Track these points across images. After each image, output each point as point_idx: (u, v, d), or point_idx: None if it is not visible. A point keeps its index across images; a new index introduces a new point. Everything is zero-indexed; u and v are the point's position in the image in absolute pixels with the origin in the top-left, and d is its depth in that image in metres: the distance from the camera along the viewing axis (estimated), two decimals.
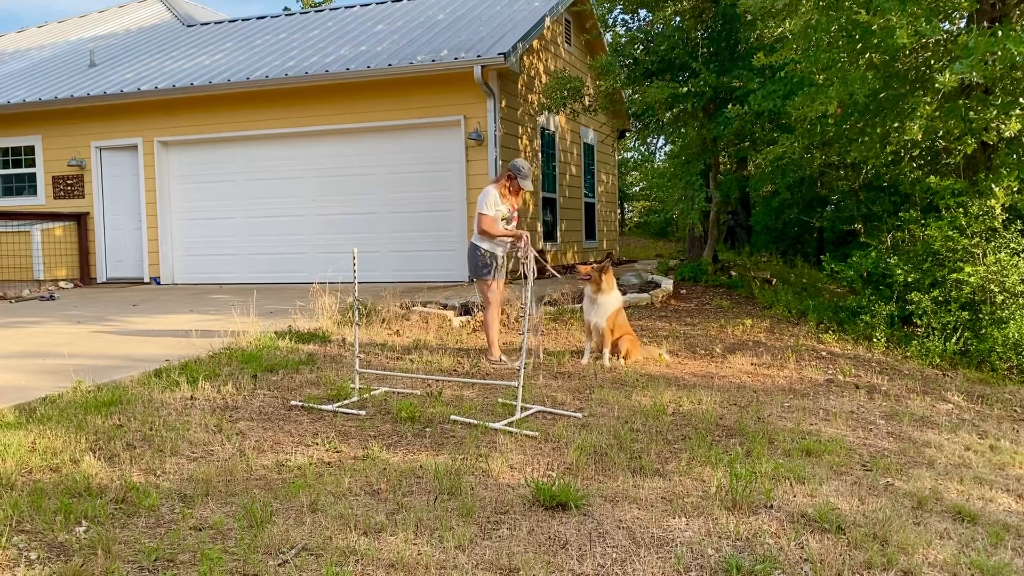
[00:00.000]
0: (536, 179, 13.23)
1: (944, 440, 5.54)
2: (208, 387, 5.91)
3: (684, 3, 11.75)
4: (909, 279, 8.61)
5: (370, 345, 7.67)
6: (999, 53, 7.05)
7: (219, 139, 13.47)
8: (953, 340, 8.23)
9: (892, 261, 8.80)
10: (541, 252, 12.23)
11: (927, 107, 8.10)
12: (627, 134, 19.40)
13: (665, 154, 23.24)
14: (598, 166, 17.21)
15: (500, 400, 5.85)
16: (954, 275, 8.26)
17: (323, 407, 5.58)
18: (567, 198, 15.00)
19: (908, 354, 8.16)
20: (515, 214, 7.25)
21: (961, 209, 8.51)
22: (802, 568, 3.39)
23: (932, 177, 8.80)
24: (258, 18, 17.28)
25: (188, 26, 17.64)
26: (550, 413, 5.59)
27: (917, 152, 9.58)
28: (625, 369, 7.01)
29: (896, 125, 8.72)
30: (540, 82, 13.56)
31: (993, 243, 8.43)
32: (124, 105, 13.63)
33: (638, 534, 3.65)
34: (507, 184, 7.15)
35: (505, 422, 5.24)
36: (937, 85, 7.52)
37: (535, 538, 3.59)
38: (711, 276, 12.24)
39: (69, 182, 14.38)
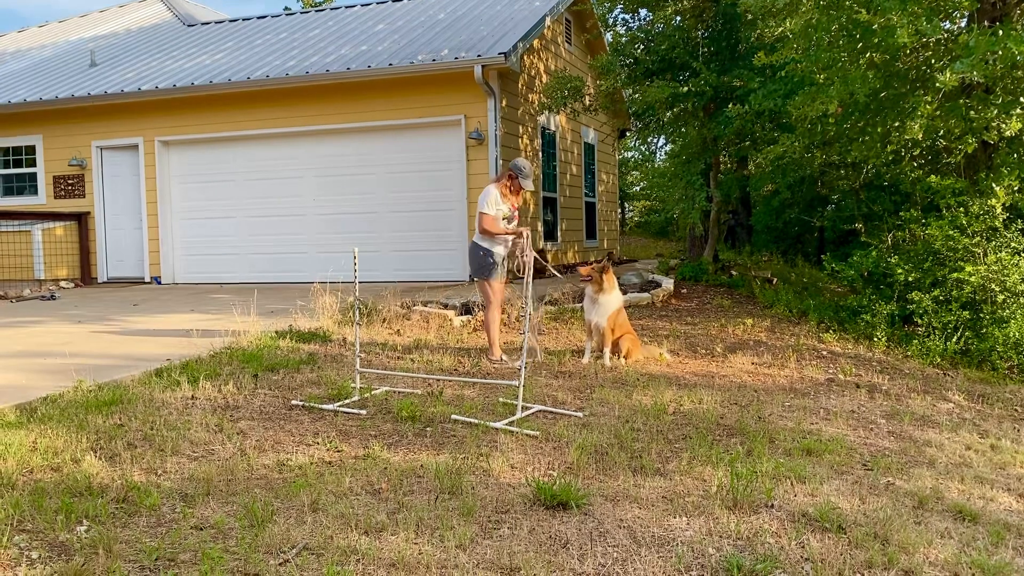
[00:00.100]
0: (537, 178, 13.23)
1: (945, 439, 5.54)
2: (209, 386, 5.91)
3: (684, 3, 11.74)
4: (910, 278, 8.60)
5: (371, 344, 7.67)
6: (1000, 52, 7.04)
7: (220, 139, 13.48)
8: (954, 339, 8.23)
9: (893, 260, 8.80)
10: (542, 252, 12.24)
11: (928, 106, 8.10)
12: (628, 133, 19.40)
13: (666, 153, 23.27)
14: (599, 165, 17.21)
15: (501, 399, 5.85)
16: (955, 274, 8.25)
17: (324, 406, 5.58)
18: (568, 198, 15.00)
19: (909, 353, 8.15)
20: (516, 213, 7.25)
21: (962, 208, 8.51)
22: (803, 567, 3.39)
23: (933, 176, 8.79)
24: (259, 18, 17.28)
25: (189, 26, 17.64)
26: (551, 412, 5.60)
27: (918, 151, 9.58)
28: (626, 368, 7.01)
29: (897, 124, 8.72)
30: (541, 81, 13.55)
31: (994, 242, 8.42)
32: (125, 105, 13.63)
33: (639, 533, 3.65)
34: (508, 184, 7.15)
35: (506, 421, 5.25)
36: (938, 84, 7.51)
37: (536, 537, 3.59)
38: (712, 275, 12.24)
39: (70, 182, 14.38)
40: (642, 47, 12.29)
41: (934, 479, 4.64)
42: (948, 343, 8.19)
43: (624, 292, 8.66)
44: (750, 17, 10.85)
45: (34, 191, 14.67)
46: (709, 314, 9.66)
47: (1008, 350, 8.09)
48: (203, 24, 17.68)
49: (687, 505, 3.98)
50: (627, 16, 14.00)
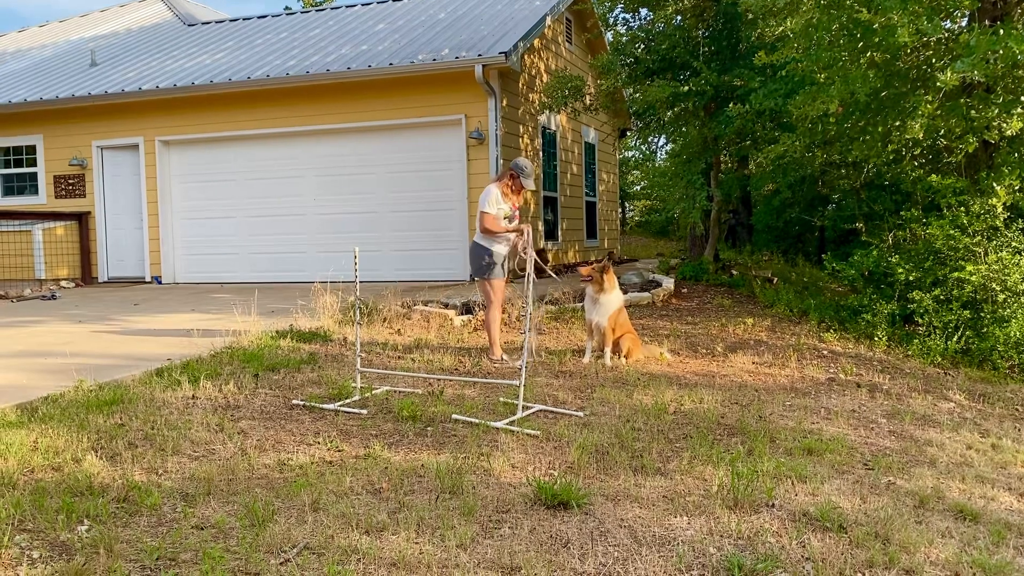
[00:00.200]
0: (537, 178, 13.23)
1: (946, 439, 5.54)
2: (210, 386, 5.91)
3: (685, 2, 11.74)
4: (910, 278, 8.60)
5: (371, 344, 7.67)
6: (1000, 52, 7.04)
7: (220, 138, 13.48)
8: (955, 339, 8.23)
9: (893, 260, 8.80)
10: (542, 251, 12.22)
11: (928, 106, 8.10)
12: (628, 133, 19.40)
13: (666, 153, 23.28)
14: (599, 165, 17.21)
15: (502, 399, 5.85)
16: (956, 274, 8.25)
17: (325, 406, 5.58)
18: (568, 197, 14.99)
19: (909, 353, 8.15)
20: (517, 213, 7.25)
21: (962, 208, 8.50)
22: (804, 567, 3.39)
23: (933, 176, 8.79)
24: (259, 17, 17.28)
25: (189, 25, 17.64)
26: (552, 412, 5.60)
27: (918, 151, 9.58)
28: (626, 368, 7.01)
29: (897, 124, 8.72)
30: (541, 81, 13.55)
31: (995, 242, 8.42)
32: (125, 104, 13.63)
33: (640, 533, 3.65)
34: (509, 183, 7.15)
35: (507, 421, 5.25)
36: (938, 84, 7.51)
37: (537, 537, 3.59)
38: (712, 275, 12.24)
39: (70, 181, 14.38)
40: (643, 46, 12.28)
41: (935, 478, 4.64)
42: (949, 342, 8.19)
43: (625, 292, 8.66)
44: (751, 16, 10.85)
45: (35, 191, 14.68)
46: (710, 313, 9.66)
47: (1009, 349, 8.09)
48: (203, 24, 17.68)
49: (688, 504, 3.97)
50: (628, 15, 14.02)
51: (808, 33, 8.69)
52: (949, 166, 9.18)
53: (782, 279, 12.73)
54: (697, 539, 3.60)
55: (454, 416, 5.38)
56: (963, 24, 8.94)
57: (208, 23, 17.71)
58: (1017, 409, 6.71)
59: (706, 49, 12.05)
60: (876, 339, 8.40)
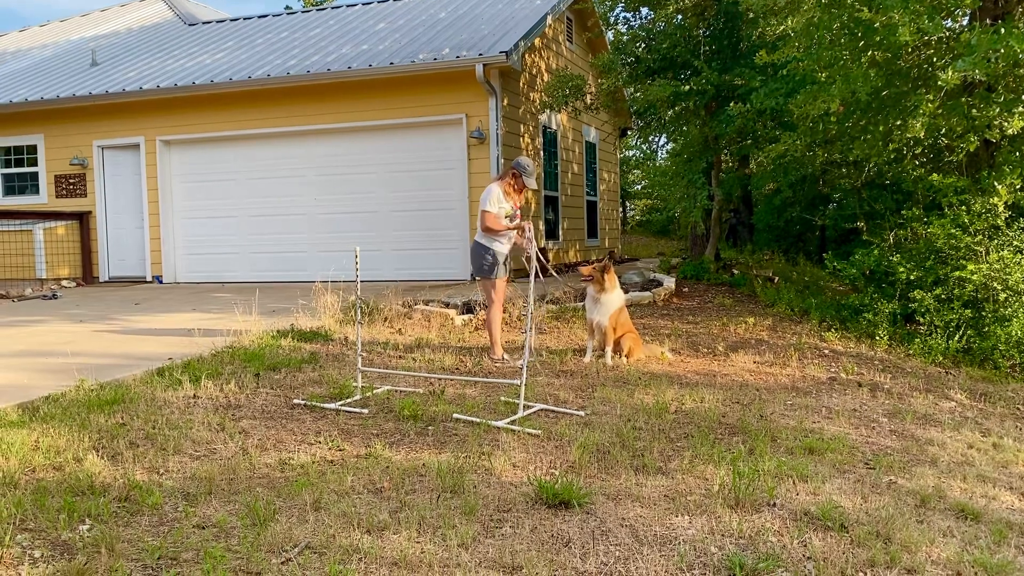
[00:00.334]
0: (538, 177, 13.22)
1: (947, 438, 5.54)
2: (211, 386, 5.91)
3: (686, 1, 11.73)
4: (912, 277, 8.60)
5: (372, 344, 7.67)
6: (1002, 50, 7.03)
7: (221, 138, 13.48)
8: (956, 338, 8.22)
9: (895, 259, 8.80)
10: (543, 250, 12.23)
11: (930, 105, 8.09)
12: (629, 132, 19.39)
13: (667, 152, 23.28)
14: (600, 164, 17.20)
15: (503, 398, 5.85)
16: (957, 273, 8.25)
17: (326, 405, 5.58)
18: (569, 196, 14.99)
19: (911, 352, 8.15)
20: (518, 212, 7.25)
21: (964, 207, 8.50)
22: (805, 566, 3.38)
23: (935, 175, 8.79)
24: (260, 17, 17.29)
25: (190, 25, 17.64)
26: (553, 411, 5.59)
27: (919, 150, 9.57)
28: (627, 367, 7.01)
29: (899, 123, 8.71)
30: (542, 80, 13.55)
31: (996, 241, 8.42)
32: (126, 104, 13.63)
33: (641, 532, 3.65)
34: (512, 182, 7.14)
35: (508, 420, 5.25)
36: (940, 83, 7.50)
37: (538, 536, 3.59)
38: (713, 274, 12.23)
39: (71, 181, 14.39)
40: (643, 46, 12.28)
41: (936, 478, 4.64)
42: (950, 342, 8.19)
43: (626, 291, 8.66)
44: (751, 15, 10.85)
45: (35, 190, 14.68)
46: (711, 313, 9.66)
47: (1010, 349, 8.08)
48: (204, 23, 17.68)
49: (689, 504, 3.97)
50: (628, 15, 14.00)
51: (809, 32, 8.69)
52: (950, 165, 9.17)
53: (783, 278, 12.72)
54: (698, 538, 3.60)
55: (455, 415, 5.38)
56: (964, 23, 8.93)
57: (209, 23, 17.71)
58: (1018, 408, 6.70)
59: (707, 48, 12.05)
60: (877, 338, 8.40)
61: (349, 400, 5.73)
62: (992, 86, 8.33)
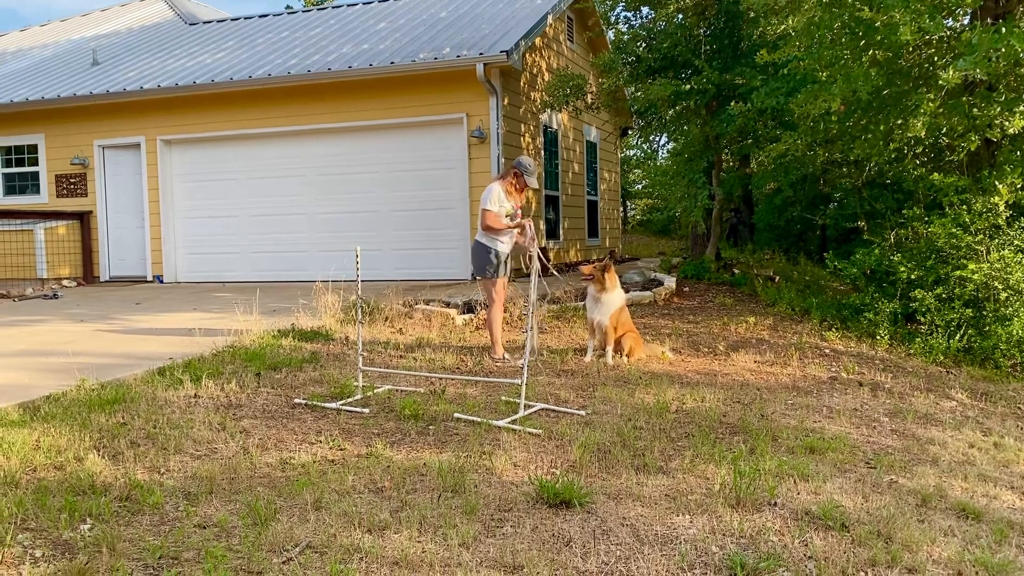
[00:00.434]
0: (539, 177, 13.22)
1: (948, 437, 5.54)
2: (212, 385, 5.91)
3: (687, 0, 11.73)
4: (912, 276, 8.59)
5: (373, 343, 7.67)
6: (1003, 50, 7.03)
7: (222, 137, 13.48)
8: (957, 337, 8.22)
9: (895, 258, 8.79)
10: (544, 250, 12.23)
11: (930, 104, 8.09)
12: (630, 132, 19.39)
13: (668, 151, 23.28)
14: (601, 164, 17.20)
15: (503, 398, 5.85)
16: (958, 272, 8.25)
17: (327, 405, 5.58)
18: (570, 196, 14.99)
19: (911, 351, 8.15)
20: (519, 211, 7.24)
21: (965, 206, 8.50)
22: (806, 566, 3.38)
23: (935, 174, 8.78)
24: (260, 16, 17.29)
25: (190, 24, 17.65)
26: (553, 411, 5.59)
27: (920, 149, 9.57)
28: (628, 367, 7.01)
29: (899, 122, 8.71)
30: (542, 80, 13.55)
31: (997, 240, 8.41)
32: (127, 104, 13.63)
33: (642, 531, 3.65)
34: (513, 181, 7.14)
35: (508, 420, 5.25)
36: (940, 82, 7.50)
37: (539, 536, 3.58)
38: (714, 274, 12.23)
39: (72, 181, 14.39)
40: (644, 45, 12.28)
41: (937, 477, 4.64)
42: (951, 341, 8.18)
43: (626, 290, 8.66)
44: (752, 15, 10.85)
45: (36, 190, 14.68)
46: (711, 312, 9.65)
47: (1011, 348, 8.08)
48: (205, 23, 17.69)
49: (690, 503, 3.97)
50: (629, 14, 14.00)
51: (810, 31, 8.69)
52: (951, 164, 9.17)
53: (784, 278, 12.72)
54: (699, 538, 3.60)
55: (456, 415, 5.38)
56: (965, 22, 8.93)
57: (209, 22, 17.71)
58: (1019, 408, 6.70)
59: (708, 47, 12.04)
60: (878, 338, 8.40)
61: (350, 399, 5.73)
62: (993, 85, 8.33)
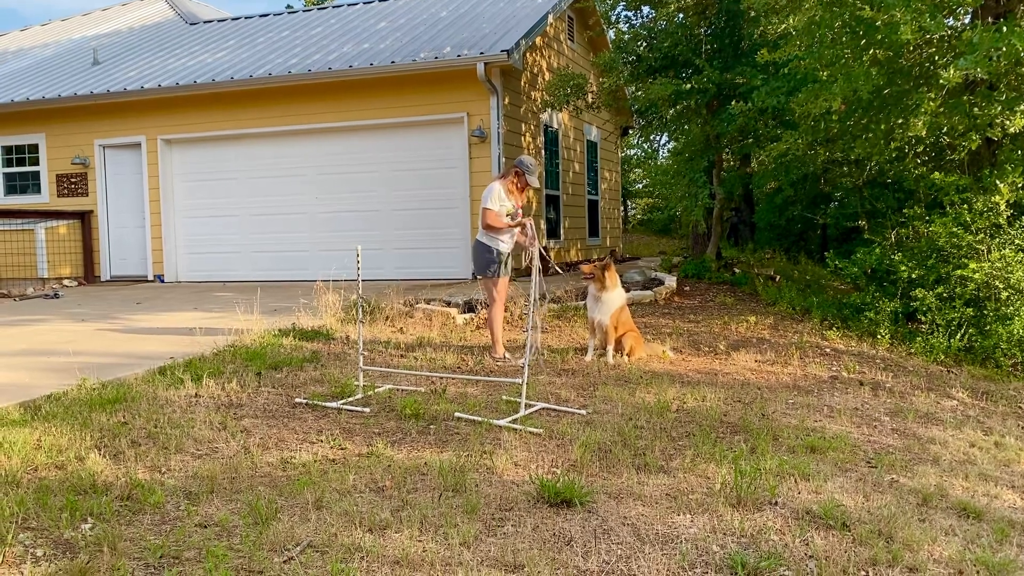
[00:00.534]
0: (540, 176, 13.22)
1: (949, 436, 5.53)
2: (212, 384, 5.91)
3: (687, 0, 11.73)
4: (913, 275, 8.59)
5: (374, 343, 7.67)
6: (1004, 49, 7.03)
7: (222, 137, 13.48)
8: (957, 337, 8.22)
9: (896, 258, 8.79)
10: (544, 249, 12.23)
11: (931, 103, 8.09)
12: (630, 131, 19.38)
13: (668, 151, 23.28)
14: (601, 163, 17.20)
15: (504, 397, 5.85)
16: (959, 271, 8.24)
17: (327, 404, 5.58)
18: (570, 195, 14.99)
19: (912, 351, 8.14)
20: (520, 211, 7.24)
21: (965, 205, 8.49)
22: (807, 565, 3.38)
23: (936, 173, 8.78)
24: (261, 16, 17.29)
25: (191, 24, 17.65)
26: (554, 410, 5.59)
27: (921, 148, 9.57)
28: (629, 366, 7.01)
29: (900, 121, 8.71)
30: (543, 79, 13.54)
31: (998, 239, 8.41)
32: (127, 103, 13.64)
33: (643, 531, 3.65)
34: (514, 180, 7.14)
35: (509, 419, 5.25)
36: (941, 81, 7.50)
37: (540, 535, 3.59)
38: (715, 273, 12.23)
39: (73, 180, 14.40)
40: (645, 44, 12.28)
41: (938, 476, 4.64)
42: (952, 340, 8.18)
43: (627, 290, 8.66)
44: (753, 14, 10.85)
45: (37, 190, 14.69)
46: (712, 311, 9.65)
47: (1012, 347, 8.08)
48: (205, 22, 17.69)
49: (691, 502, 3.97)
50: (630, 13, 14.00)
51: (810, 30, 8.68)
52: (952, 164, 9.17)
53: (785, 277, 12.72)
54: (700, 537, 3.60)
55: (457, 414, 5.39)
56: (966, 21, 8.93)
57: (210, 22, 17.72)
58: (1020, 407, 6.70)
59: (708, 47, 12.04)
60: (879, 337, 8.40)
61: (351, 399, 5.73)
62: (994, 84, 8.33)
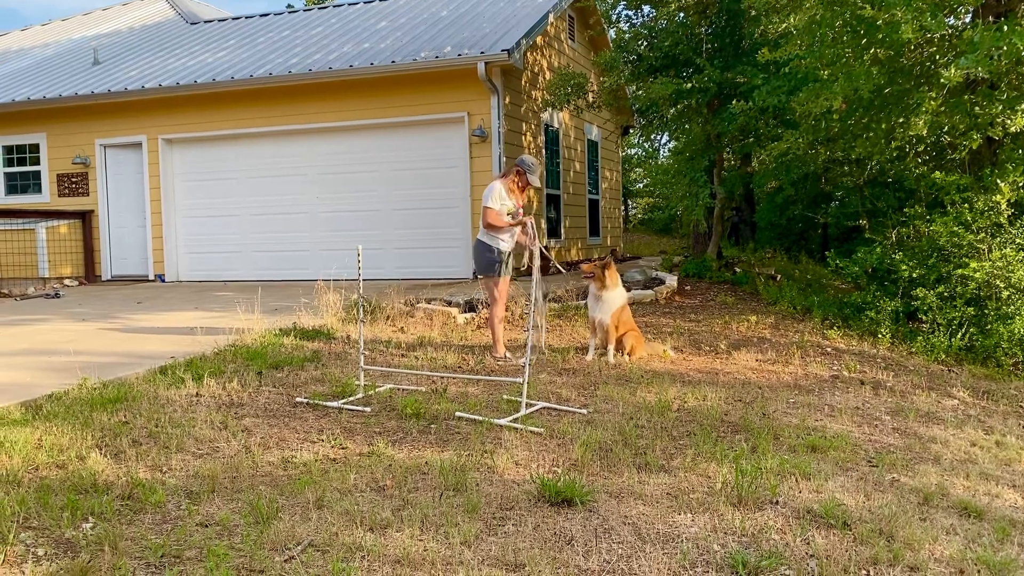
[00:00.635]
0: (541, 176, 13.22)
1: (950, 436, 5.53)
2: (213, 384, 5.92)
3: None
4: (914, 275, 8.59)
5: (375, 342, 7.67)
6: (1004, 48, 7.03)
7: (223, 136, 13.48)
8: (958, 336, 8.22)
9: (897, 257, 8.79)
10: (545, 248, 12.23)
11: (932, 102, 8.08)
12: (631, 130, 19.38)
13: (669, 150, 23.27)
14: (602, 163, 17.19)
15: (505, 396, 5.85)
16: (959, 271, 8.24)
17: (328, 404, 5.58)
18: (571, 195, 14.99)
19: (913, 350, 8.14)
20: (520, 210, 7.24)
21: (966, 204, 8.49)
22: (808, 564, 3.38)
23: (937, 172, 8.78)
24: (261, 15, 17.29)
25: (191, 24, 17.65)
26: (555, 409, 5.60)
27: (922, 147, 9.56)
28: (630, 365, 7.01)
29: (901, 120, 8.71)
30: (544, 78, 13.54)
31: (998, 238, 8.41)
32: (128, 103, 13.64)
33: (644, 530, 3.65)
34: (515, 179, 7.14)
35: (510, 418, 5.25)
36: (942, 80, 7.50)
37: (541, 534, 3.59)
38: (715, 272, 12.23)
39: (74, 180, 14.40)
40: (645, 43, 12.28)
41: (939, 475, 4.63)
42: (953, 339, 8.18)
43: (628, 289, 8.65)
44: (753, 13, 10.84)
45: (38, 189, 14.69)
46: (713, 311, 9.65)
47: (1013, 346, 8.07)
48: (206, 22, 17.69)
49: (692, 502, 3.97)
50: (630, 12, 14.00)
51: (811, 30, 8.68)
52: (953, 163, 9.17)
53: (785, 276, 12.72)
54: (701, 536, 3.60)
55: (457, 413, 5.39)
56: (967, 20, 8.92)
57: (210, 21, 17.72)
58: (1021, 406, 6.69)
59: (709, 46, 12.04)
60: (880, 336, 8.39)
61: (352, 398, 5.73)
62: (995, 83, 8.32)
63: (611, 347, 7.22)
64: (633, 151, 28.86)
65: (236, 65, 13.49)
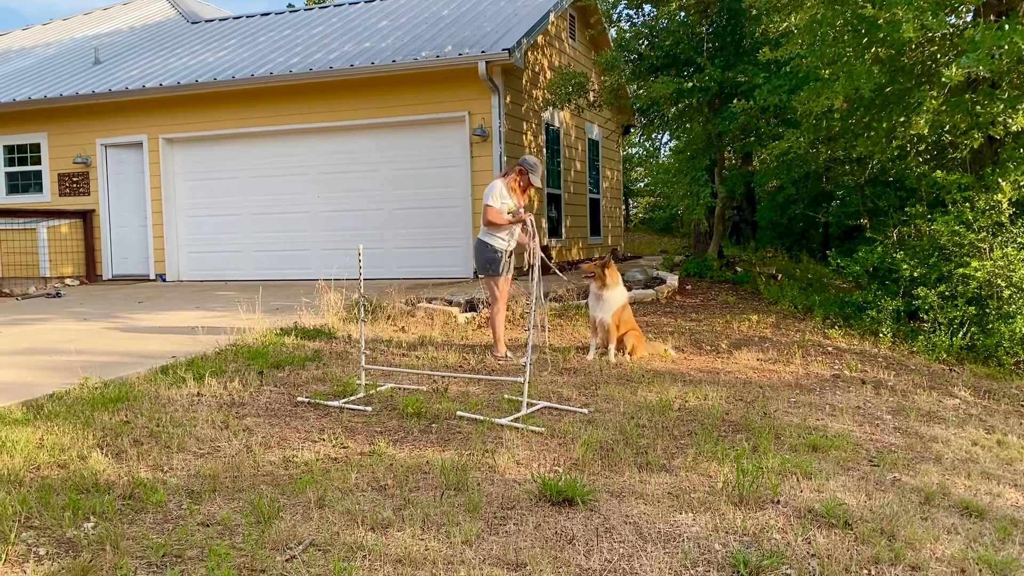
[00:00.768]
0: (542, 175, 13.21)
1: (951, 435, 5.53)
2: (214, 383, 5.92)
3: None
4: (915, 274, 8.58)
5: (376, 341, 7.67)
6: (1006, 47, 7.02)
7: (223, 136, 13.49)
8: (959, 335, 8.21)
9: (898, 256, 8.78)
10: (546, 248, 12.23)
11: (933, 101, 8.08)
12: (632, 130, 19.37)
13: (670, 149, 23.26)
14: (603, 162, 17.19)
15: (506, 396, 5.85)
16: (960, 270, 8.24)
17: (329, 403, 5.59)
18: (572, 194, 14.98)
19: (914, 349, 8.14)
20: (521, 210, 7.24)
21: (967, 204, 8.48)
22: (809, 563, 3.38)
23: (938, 172, 8.77)
24: (262, 15, 17.29)
25: (192, 23, 17.65)
26: (556, 409, 5.60)
27: (923, 147, 9.56)
28: (631, 365, 7.00)
29: (902, 119, 8.70)
30: (544, 78, 13.54)
31: (1000, 238, 8.40)
32: (129, 102, 13.64)
33: (645, 529, 3.65)
34: (516, 179, 7.15)
35: (511, 418, 5.25)
36: (943, 79, 7.50)
37: (542, 533, 3.59)
38: (716, 272, 12.22)
39: (75, 179, 14.41)
40: (646, 43, 12.27)
41: (940, 475, 4.63)
42: (954, 339, 8.17)
43: (629, 288, 8.65)
44: (755, 12, 10.84)
45: (39, 189, 14.70)
46: (714, 310, 9.65)
47: (1014, 346, 8.07)
48: (207, 21, 17.69)
49: (693, 501, 3.97)
50: (631, 12, 14.00)
51: (812, 29, 8.68)
52: (954, 162, 9.16)
53: (786, 275, 12.71)
54: (702, 535, 3.60)
55: (458, 413, 5.39)
56: (968, 19, 8.92)
57: (211, 21, 17.72)
58: (1022, 405, 6.69)
59: (710, 45, 12.03)
60: (881, 335, 8.39)
61: (353, 398, 5.73)
62: (996, 83, 8.32)
63: (612, 346, 7.22)
64: (634, 150, 28.87)
65: (237, 64, 13.49)
